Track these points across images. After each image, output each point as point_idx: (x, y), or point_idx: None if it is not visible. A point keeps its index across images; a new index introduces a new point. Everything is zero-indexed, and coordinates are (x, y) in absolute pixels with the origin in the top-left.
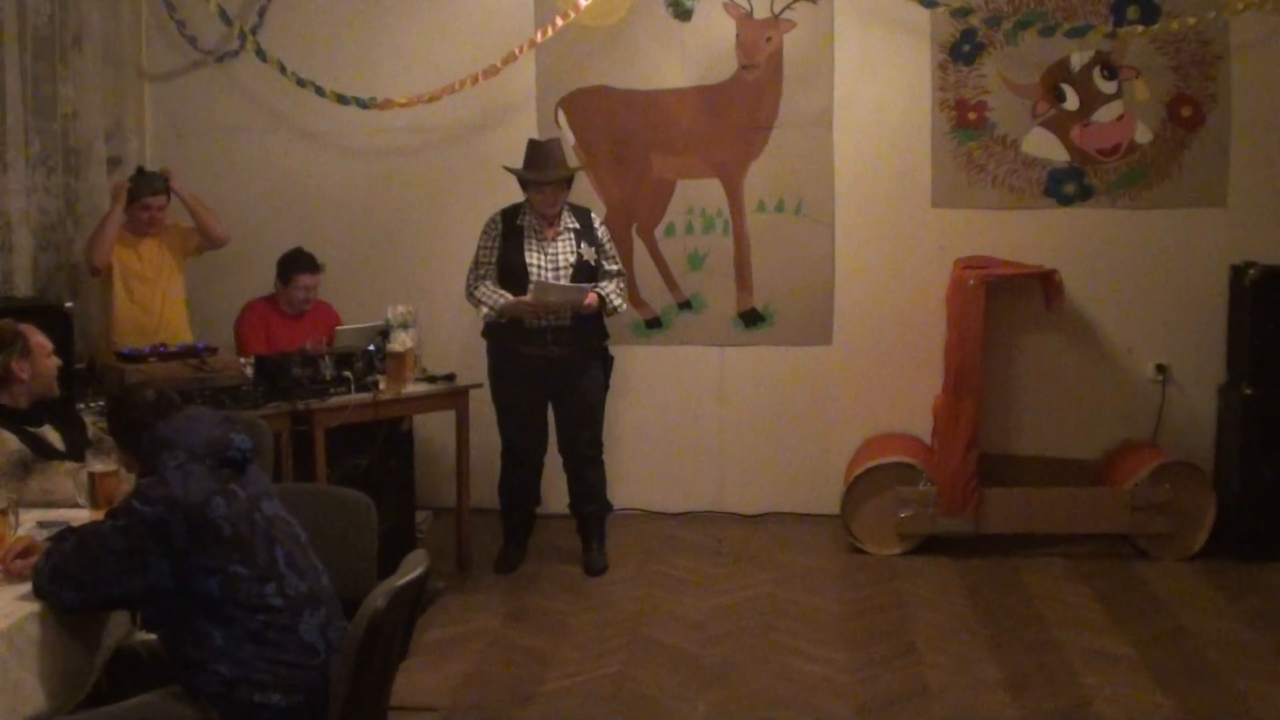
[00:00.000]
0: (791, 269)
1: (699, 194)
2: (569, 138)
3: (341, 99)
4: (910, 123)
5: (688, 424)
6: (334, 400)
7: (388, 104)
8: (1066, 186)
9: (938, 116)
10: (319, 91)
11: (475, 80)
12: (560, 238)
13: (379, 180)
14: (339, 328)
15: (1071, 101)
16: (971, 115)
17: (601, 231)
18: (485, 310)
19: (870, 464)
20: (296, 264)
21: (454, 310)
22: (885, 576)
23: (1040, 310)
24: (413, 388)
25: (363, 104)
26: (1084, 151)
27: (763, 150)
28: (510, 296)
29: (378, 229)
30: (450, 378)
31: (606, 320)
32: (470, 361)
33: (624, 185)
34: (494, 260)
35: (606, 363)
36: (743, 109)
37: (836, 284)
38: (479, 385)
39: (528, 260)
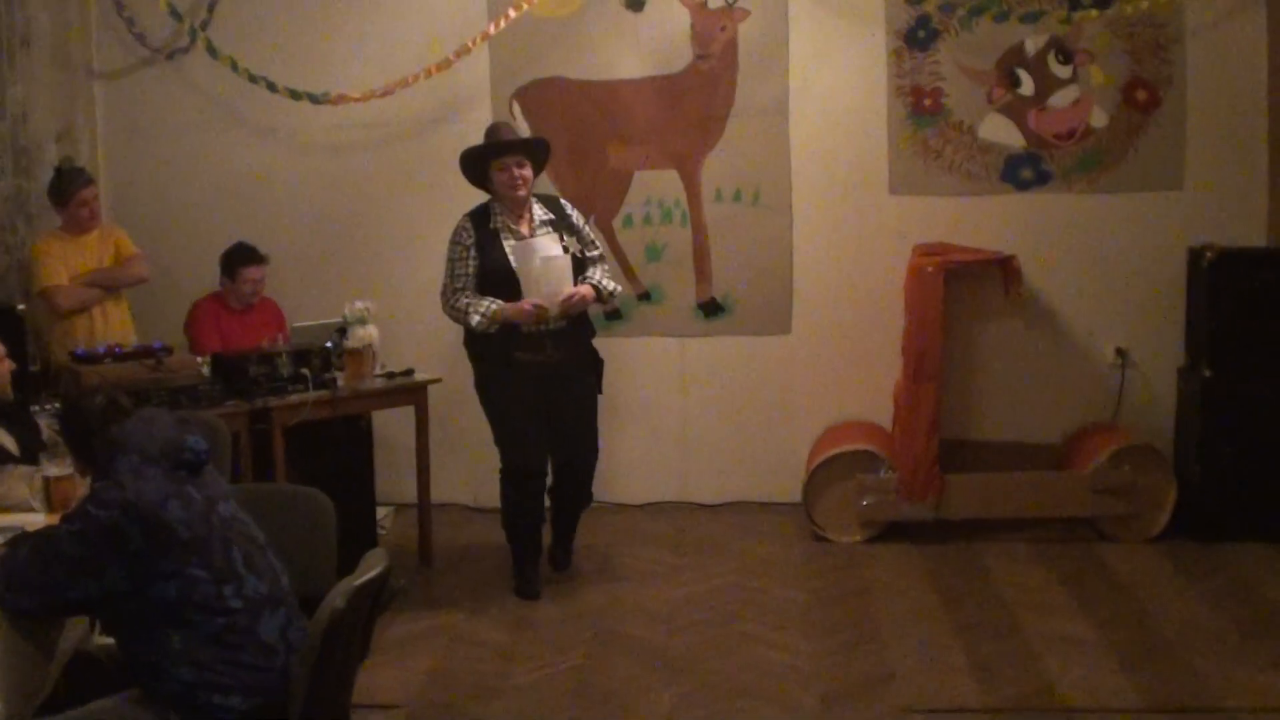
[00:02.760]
0: (750, 259)
1: (656, 185)
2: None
3: (294, 94)
4: (867, 110)
5: (650, 416)
6: (292, 398)
7: (341, 99)
8: (1023, 172)
9: (894, 103)
10: (271, 87)
11: (429, 74)
12: (539, 233)
13: (335, 176)
14: (296, 324)
15: (1027, 87)
16: (927, 102)
17: (576, 217)
18: (477, 320)
19: (831, 452)
20: (241, 257)
21: (411, 305)
22: (848, 564)
23: (999, 296)
24: (371, 383)
25: (315, 99)
26: (1040, 136)
27: (719, 140)
28: (500, 302)
29: (334, 225)
30: (409, 373)
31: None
32: (429, 356)
33: (581, 177)
34: (472, 270)
35: (599, 365)
36: (699, 99)
37: (795, 273)
38: (438, 380)
39: (511, 262)
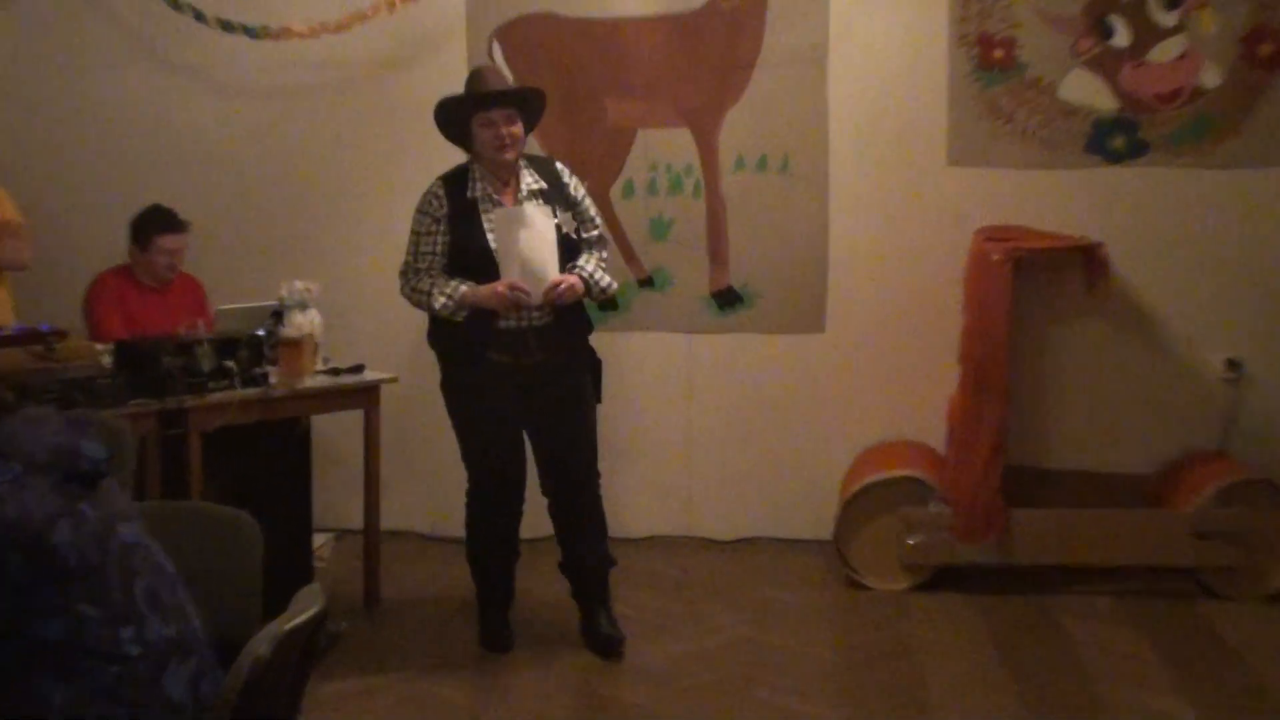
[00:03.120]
0: (776, 240)
1: (664, 147)
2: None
3: (226, 26)
4: (923, 62)
5: (648, 429)
6: (214, 397)
7: (284, 33)
8: (1114, 140)
9: (956, 55)
10: (198, 17)
11: (392, 6)
12: (525, 204)
13: (273, 128)
14: (221, 308)
15: (1122, 36)
16: (998, 53)
17: (575, 187)
18: (441, 302)
19: (870, 479)
20: (155, 223)
21: (364, 287)
22: (890, 617)
23: (1080, 292)
24: (312, 381)
25: (252, 33)
26: (1137, 98)
27: (742, 94)
28: (471, 284)
29: (270, 188)
30: (358, 369)
31: (589, 307)
32: (384, 351)
33: (573, 135)
34: (440, 248)
35: (596, 368)
36: (718, 43)
37: (830, 258)
38: (393, 379)
39: (490, 242)
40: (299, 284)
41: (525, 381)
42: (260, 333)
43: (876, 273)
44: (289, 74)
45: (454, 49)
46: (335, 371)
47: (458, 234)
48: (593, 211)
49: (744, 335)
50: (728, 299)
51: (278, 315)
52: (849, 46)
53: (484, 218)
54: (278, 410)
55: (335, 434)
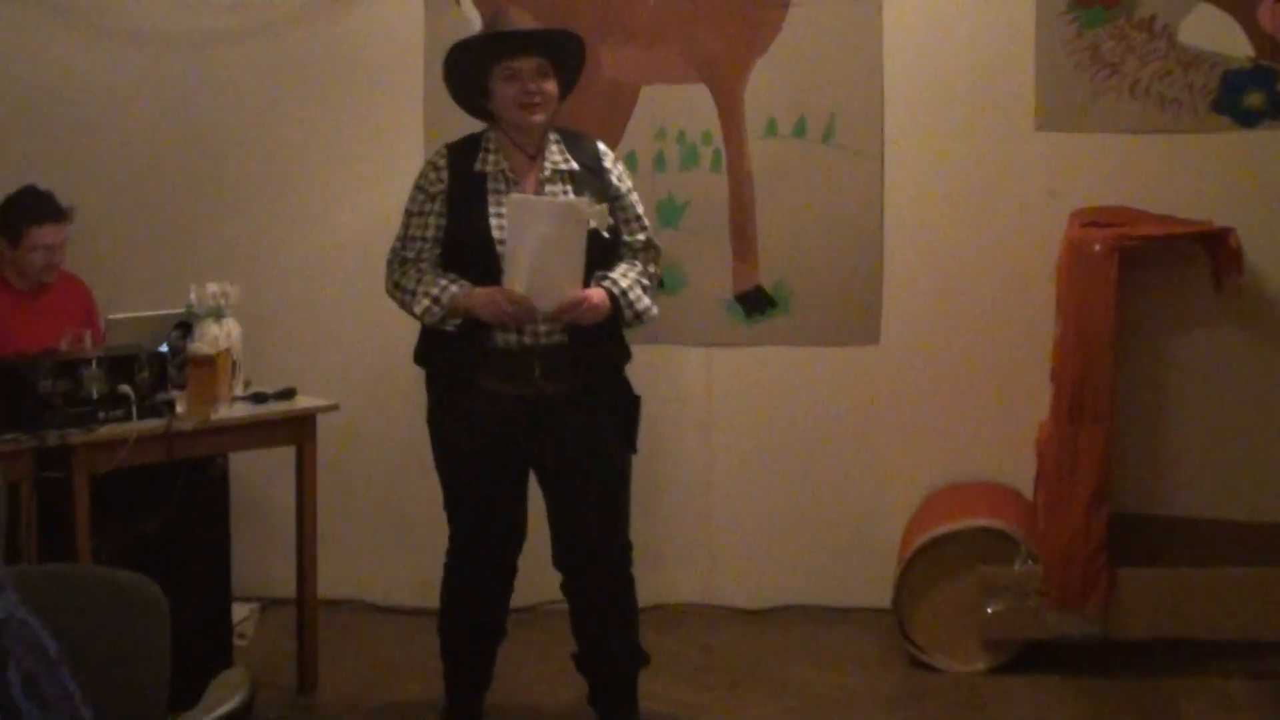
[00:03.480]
0: (818, 227)
1: (675, 108)
2: (471, 15)
3: None
4: None
5: (657, 468)
6: (105, 430)
7: None
8: (1250, 97)
9: None
10: None
11: None
12: (548, 190)
13: (179, 88)
14: (113, 317)
15: None
16: None
17: (619, 174)
18: (424, 307)
19: (938, 531)
20: (28, 211)
21: (295, 291)
22: (965, 704)
23: (1207, 292)
24: (229, 411)
25: None
26: (1279, 42)
27: (773, 40)
28: (466, 284)
29: (177, 162)
30: (288, 395)
31: (628, 331)
32: (320, 372)
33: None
34: (432, 233)
35: (630, 407)
36: None
37: (887, 250)
38: (333, 408)
39: (498, 235)
40: (212, 287)
41: (531, 419)
42: (163, 349)
43: (945, 268)
44: (202, 17)
45: None
46: (259, 398)
47: (456, 215)
48: (640, 209)
49: (777, 349)
50: (756, 303)
51: (185, 327)
52: None
53: (491, 197)
54: (186, 448)
55: (260, 478)
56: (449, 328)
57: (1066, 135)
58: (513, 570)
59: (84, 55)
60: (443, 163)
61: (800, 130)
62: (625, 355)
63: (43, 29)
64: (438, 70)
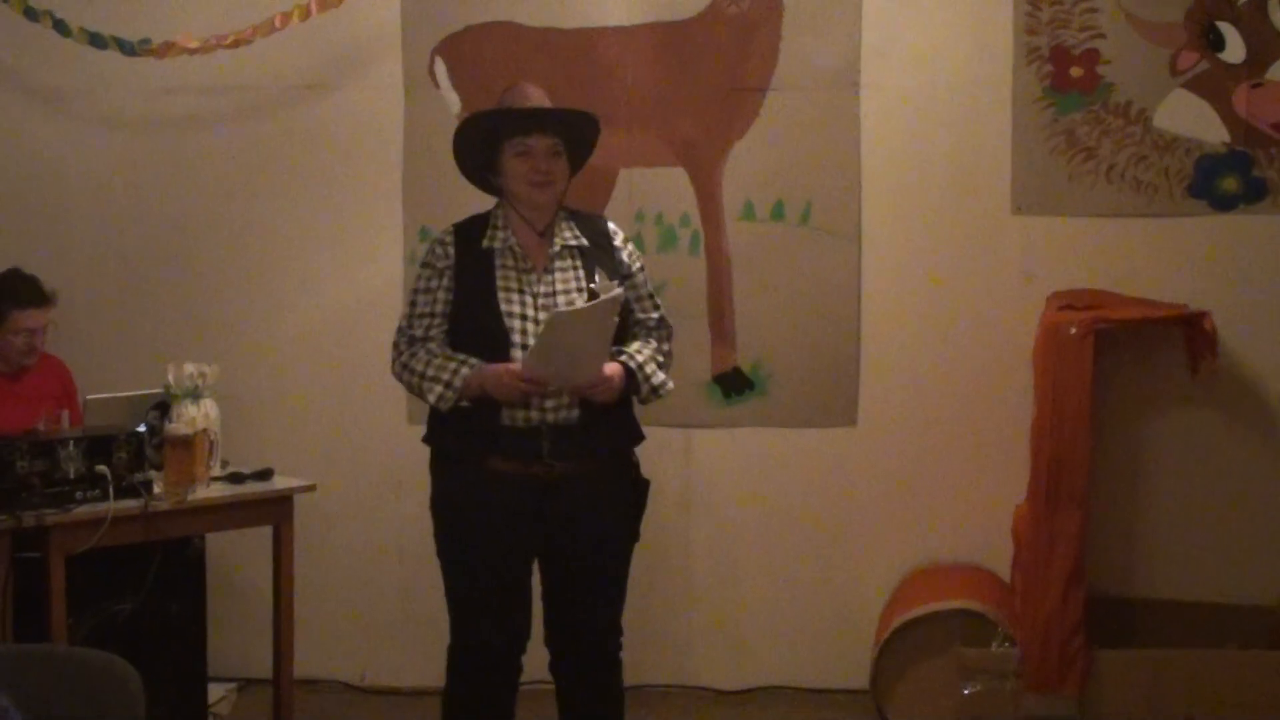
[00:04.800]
0: (796, 309)
1: (653, 190)
2: (451, 100)
3: (95, 40)
4: (981, 82)
5: (638, 547)
6: (82, 510)
7: (169, 49)
8: (1225, 181)
9: (1024, 73)
10: (59, 27)
11: (305, 14)
12: (558, 266)
13: (157, 169)
14: (91, 397)
15: (1234, 49)
16: (1076, 71)
17: (629, 253)
18: (438, 395)
19: (916, 612)
20: (13, 295)
21: (272, 371)
22: None
23: (1183, 374)
24: (206, 491)
25: (129, 48)
26: (1253, 128)
27: (751, 124)
28: (476, 363)
29: (154, 243)
30: (266, 475)
31: (639, 409)
32: (298, 451)
33: None
34: (441, 307)
35: (639, 492)
36: (722, 59)
37: (864, 332)
38: (310, 488)
39: (506, 309)
40: (190, 368)
41: (537, 502)
42: (141, 429)
43: (922, 350)
44: (176, 101)
45: (386, 66)
46: (237, 478)
47: (464, 291)
48: (651, 287)
49: (755, 430)
50: (734, 384)
51: (163, 407)
52: (888, 64)
53: (499, 273)
54: (163, 528)
55: (237, 557)
56: (463, 404)
57: (1043, 219)
58: (518, 670)
59: (60, 139)
60: (449, 239)
61: (778, 213)
62: (637, 436)
63: (19, 114)
64: (417, 154)
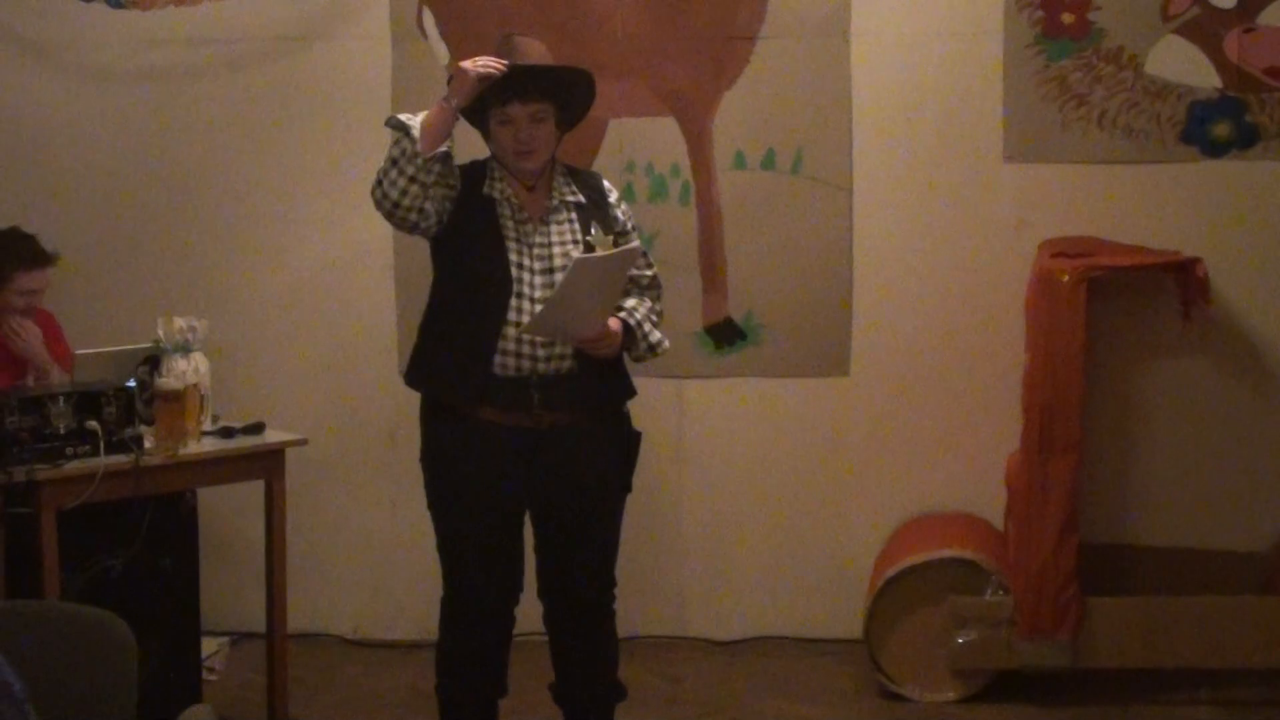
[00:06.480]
0: (787, 258)
1: (643, 141)
2: (439, 51)
3: None
4: (972, 30)
5: (630, 499)
6: (72, 466)
7: (154, 1)
8: (1217, 128)
9: (1014, 19)
10: None
11: None
12: (554, 221)
13: (143, 120)
14: (81, 352)
15: None
16: (1067, 17)
17: (624, 211)
18: (402, 148)
19: (909, 561)
20: (14, 256)
21: (263, 324)
22: None
23: (1175, 321)
24: (198, 446)
25: (114, 1)
26: (1246, 73)
27: (741, 73)
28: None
29: (142, 197)
30: (257, 429)
31: (633, 365)
32: (290, 405)
33: None
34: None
35: (630, 444)
36: (712, 8)
37: (856, 281)
38: (301, 442)
39: (510, 254)
40: (180, 322)
41: (527, 452)
42: (131, 384)
43: (914, 299)
44: (161, 52)
45: (372, 16)
46: (228, 432)
47: (468, 237)
48: (643, 246)
49: (747, 380)
50: (726, 334)
51: (153, 362)
52: (878, 10)
53: (504, 223)
54: (154, 483)
55: (229, 512)
56: (441, 150)
57: (1035, 166)
58: (511, 621)
59: (48, 92)
60: (458, 170)
61: (769, 162)
62: (629, 390)
63: (3, 67)
64: (405, 104)
